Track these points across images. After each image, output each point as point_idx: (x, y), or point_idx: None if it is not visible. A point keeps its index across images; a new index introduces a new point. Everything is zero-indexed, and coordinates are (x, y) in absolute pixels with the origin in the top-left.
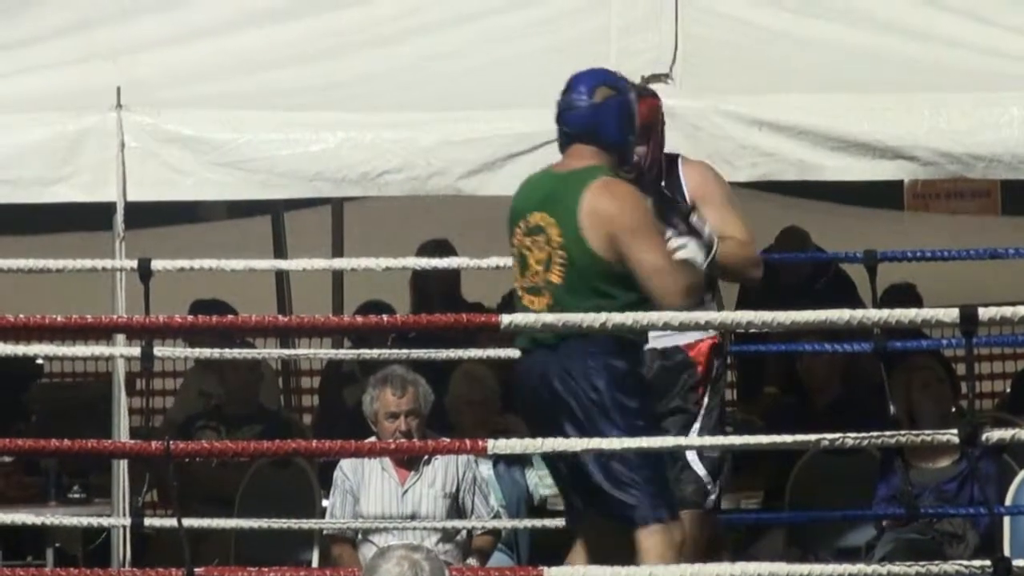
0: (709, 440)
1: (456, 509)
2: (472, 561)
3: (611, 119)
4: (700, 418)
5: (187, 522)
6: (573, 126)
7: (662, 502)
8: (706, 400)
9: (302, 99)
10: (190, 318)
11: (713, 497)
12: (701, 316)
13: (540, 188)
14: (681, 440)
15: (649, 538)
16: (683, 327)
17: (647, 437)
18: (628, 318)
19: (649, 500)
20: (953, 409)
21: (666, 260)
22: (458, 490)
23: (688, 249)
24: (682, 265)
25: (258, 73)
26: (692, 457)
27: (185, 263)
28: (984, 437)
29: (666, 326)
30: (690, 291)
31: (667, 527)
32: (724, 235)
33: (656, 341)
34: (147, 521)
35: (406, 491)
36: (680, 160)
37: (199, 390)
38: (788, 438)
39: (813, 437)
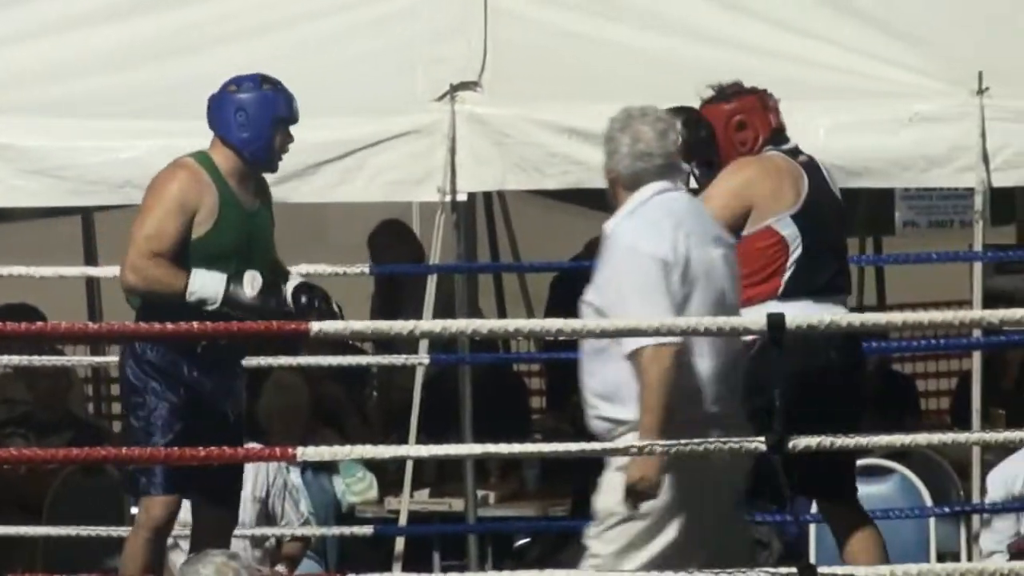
0: (520, 447)
1: (266, 514)
2: (281, 568)
3: (216, 112)
4: None
5: None
6: None
7: None
8: None
9: (113, 107)
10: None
11: None
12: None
13: None
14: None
15: None
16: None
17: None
18: (437, 325)
19: None
20: None
21: (139, 237)
22: (268, 495)
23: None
24: (149, 249)
25: (68, 81)
26: None
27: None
28: (791, 444)
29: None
30: (138, 276)
31: None
32: None
33: None
34: None
35: None
36: None
37: (6, 397)
38: (596, 445)
39: (621, 444)
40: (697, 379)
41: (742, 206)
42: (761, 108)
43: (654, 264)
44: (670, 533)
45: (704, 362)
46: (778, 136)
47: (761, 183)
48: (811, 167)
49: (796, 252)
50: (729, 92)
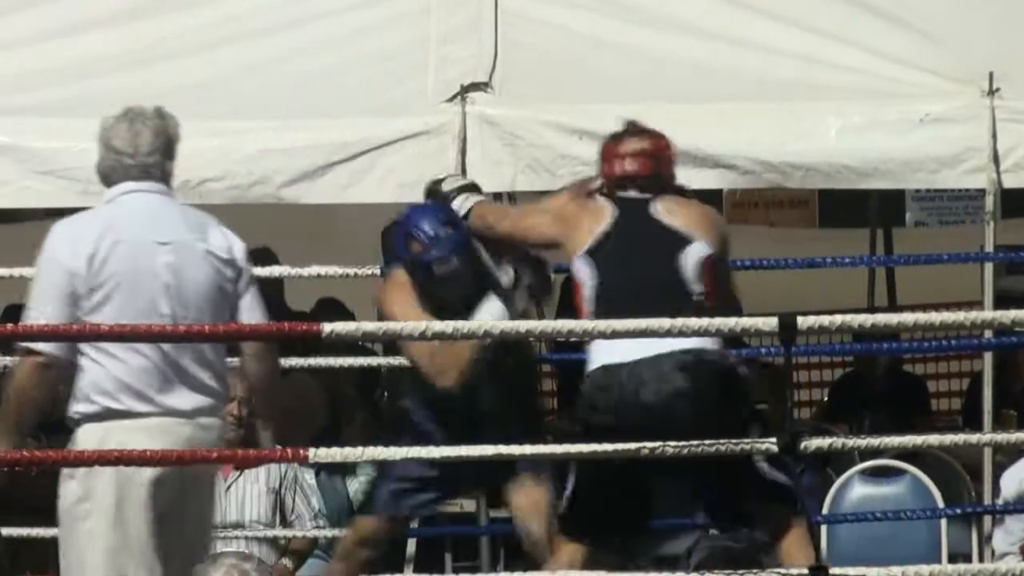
0: (532, 449)
1: (277, 507)
2: (286, 562)
3: None
4: None
5: (5, 531)
6: None
7: None
8: None
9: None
10: (10, 326)
11: None
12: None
13: None
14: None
15: None
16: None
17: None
18: (448, 326)
19: None
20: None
21: None
22: (280, 487)
23: None
24: None
25: (77, 82)
26: None
27: (4, 271)
28: (803, 446)
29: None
30: None
31: None
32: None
33: None
34: None
35: (229, 487)
36: None
37: None
38: (608, 447)
39: (633, 446)
40: (119, 376)
41: (549, 228)
42: (608, 156)
43: (58, 268)
44: (106, 536)
45: (118, 363)
46: (631, 183)
47: (563, 213)
48: (630, 203)
49: (590, 292)
50: (616, 133)
